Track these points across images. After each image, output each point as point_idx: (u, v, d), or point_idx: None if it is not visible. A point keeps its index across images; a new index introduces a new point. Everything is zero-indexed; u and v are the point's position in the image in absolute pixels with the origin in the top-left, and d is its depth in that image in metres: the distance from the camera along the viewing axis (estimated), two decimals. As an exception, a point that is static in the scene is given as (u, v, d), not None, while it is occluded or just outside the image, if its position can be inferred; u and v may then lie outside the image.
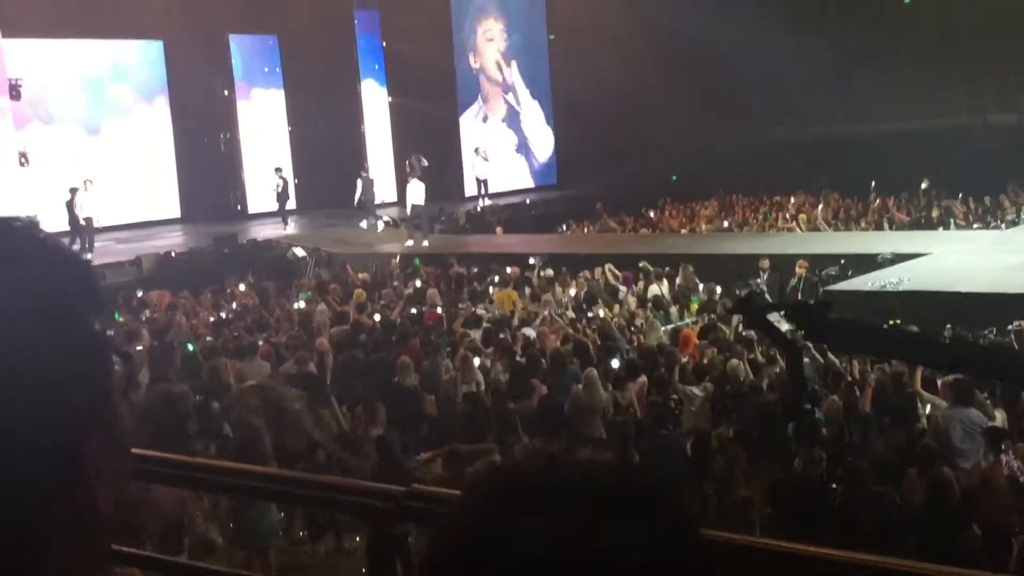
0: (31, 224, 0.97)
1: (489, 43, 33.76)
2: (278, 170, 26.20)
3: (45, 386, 0.89)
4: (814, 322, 6.38)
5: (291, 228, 25.25)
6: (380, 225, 25.25)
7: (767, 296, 16.63)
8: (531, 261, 19.35)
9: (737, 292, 16.79)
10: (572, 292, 16.86)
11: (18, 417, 0.88)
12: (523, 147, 34.55)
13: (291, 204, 28.53)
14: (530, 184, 34.16)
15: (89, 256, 19.88)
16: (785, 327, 8.27)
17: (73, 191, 21.79)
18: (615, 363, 11.55)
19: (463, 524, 0.84)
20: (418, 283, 18.27)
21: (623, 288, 17.02)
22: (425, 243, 22.93)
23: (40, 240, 0.96)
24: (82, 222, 21.14)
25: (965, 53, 31.10)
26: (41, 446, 0.89)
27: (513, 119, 34.55)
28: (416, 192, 23.35)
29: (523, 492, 0.83)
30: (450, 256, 20.57)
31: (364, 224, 25.16)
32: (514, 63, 34.70)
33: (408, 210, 23.81)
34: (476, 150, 30.56)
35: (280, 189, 25.82)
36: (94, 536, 0.95)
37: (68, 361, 0.92)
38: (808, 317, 6.58)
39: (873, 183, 26.43)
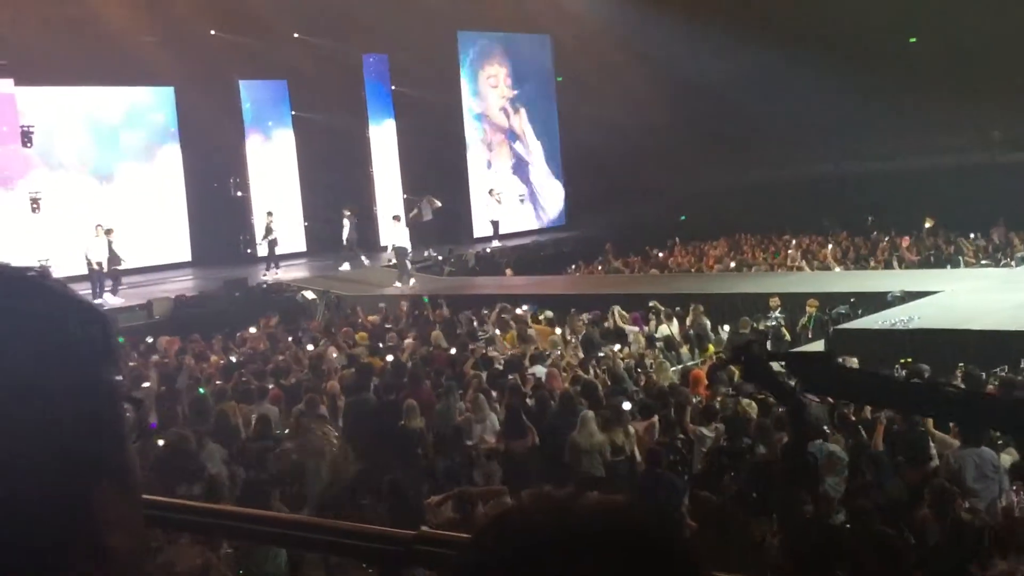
0: (43, 273, 0.98)
1: (492, 89, 33.71)
2: (269, 214, 26.03)
3: (56, 433, 0.90)
4: (816, 373, 6.17)
5: (280, 274, 24.76)
6: (346, 265, 25.27)
7: (783, 331, 16.59)
8: (522, 308, 19.15)
9: (754, 325, 16.79)
10: (558, 331, 16.77)
11: (29, 464, 0.88)
12: (531, 197, 34.27)
13: (299, 247, 28.68)
14: (539, 225, 34.19)
15: (99, 301, 19.99)
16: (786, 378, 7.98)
17: (108, 232, 22.15)
18: (627, 405, 11.50)
19: (474, 570, 0.84)
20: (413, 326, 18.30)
21: (634, 329, 16.95)
22: (412, 282, 23.26)
23: (52, 289, 0.97)
24: (95, 266, 21.23)
25: (972, 91, 31.18)
26: (52, 493, 0.89)
27: (520, 168, 34.26)
28: (399, 235, 23.93)
29: (532, 537, 0.83)
30: (439, 298, 20.69)
31: (346, 265, 25.24)
32: (523, 111, 34.50)
33: (391, 251, 24.25)
34: (491, 191, 30.69)
35: (271, 236, 25.30)
36: None
37: (79, 409, 0.92)
38: (810, 368, 6.35)
39: (870, 219, 26.54)
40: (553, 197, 35.06)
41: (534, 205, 34.45)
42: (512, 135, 34.28)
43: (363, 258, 25.60)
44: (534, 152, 34.72)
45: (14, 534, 0.87)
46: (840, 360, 12.15)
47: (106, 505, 0.93)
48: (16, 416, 0.88)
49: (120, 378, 1.01)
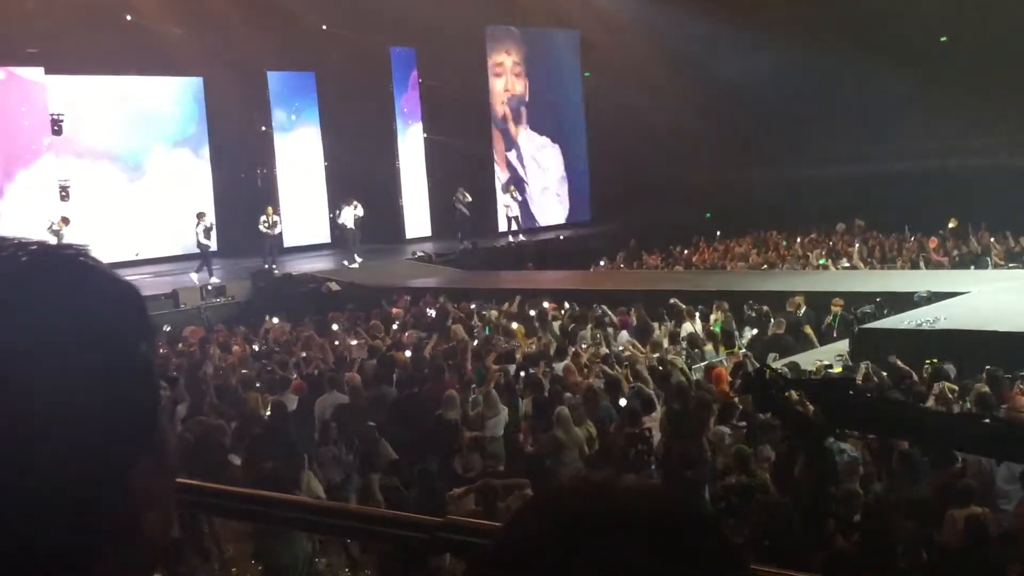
0: (81, 251, 0.98)
1: (496, 78, 32.89)
2: (270, 209, 25.35)
3: (96, 409, 0.90)
4: (840, 404, 5.76)
5: (215, 279, 22.95)
6: (357, 260, 25.33)
7: (806, 329, 16.47)
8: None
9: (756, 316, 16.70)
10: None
11: (69, 440, 0.88)
12: (523, 208, 33.07)
13: (324, 238, 28.62)
14: (564, 220, 34.13)
15: (195, 278, 21.21)
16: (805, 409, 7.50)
17: (200, 216, 22.66)
18: (623, 401, 11.45)
19: (512, 549, 0.84)
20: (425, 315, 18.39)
21: (624, 335, 16.59)
22: (355, 264, 24.37)
23: (90, 266, 0.97)
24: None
25: (1002, 92, 30.90)
26: (91, 469, 0.89)
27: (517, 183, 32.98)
28: (349, 216, 25.04)
29: (576, 515, 0.83)
30: (426, 289, 21.10)
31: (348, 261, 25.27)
32: (523, 111, 33.49)
33: (343, 232, 25.29)
34: (506, 187, 30.67)
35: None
36: (139, 559, 0.95)
37: (118, 385, 0.92)
38: (833, 397, 5.87)
39: (860, 222, 26.55)
40: (564, 200, 34.75)
41: (550, 196, 34.20)
42: (510, 143, 33.34)
43: (356, 256, 25.31)
44: (532, 166, 33.88)
45: (53, 513, 0.87)
46: (868, 368, 12.07)
47: (143, 483, 0.93)
48: (54, 393, 0.88)
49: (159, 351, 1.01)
